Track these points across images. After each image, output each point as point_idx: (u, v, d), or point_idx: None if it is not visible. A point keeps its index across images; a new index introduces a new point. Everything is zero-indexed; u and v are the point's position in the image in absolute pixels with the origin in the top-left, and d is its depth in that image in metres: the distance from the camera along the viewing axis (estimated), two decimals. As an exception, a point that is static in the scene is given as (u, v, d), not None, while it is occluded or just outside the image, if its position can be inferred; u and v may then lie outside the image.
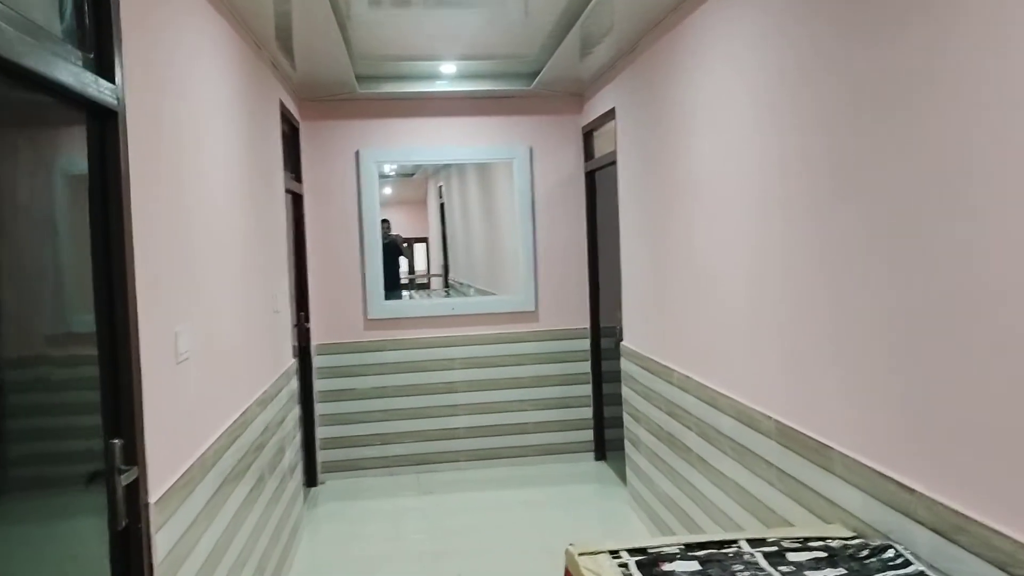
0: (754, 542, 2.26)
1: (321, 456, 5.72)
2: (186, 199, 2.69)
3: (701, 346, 3.58)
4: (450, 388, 5.80)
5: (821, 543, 2.24)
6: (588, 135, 5.84)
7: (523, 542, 4.52)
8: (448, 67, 5.29)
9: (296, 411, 4.71)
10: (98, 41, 2.08)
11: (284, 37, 4.07)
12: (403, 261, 10.28)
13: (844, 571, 2.04)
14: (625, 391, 4.88)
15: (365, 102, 5.68)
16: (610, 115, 5.10)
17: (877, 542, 2.17)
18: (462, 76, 5.50)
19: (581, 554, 2.21)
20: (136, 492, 2.12)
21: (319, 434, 5.70)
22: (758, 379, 2.99)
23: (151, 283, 2.28)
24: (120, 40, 2.14)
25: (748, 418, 3.05)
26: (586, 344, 5.90)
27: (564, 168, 5.87)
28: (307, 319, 5.51)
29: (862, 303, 2.29)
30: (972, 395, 1.86)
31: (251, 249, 3.70)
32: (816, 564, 2.10)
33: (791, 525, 2.73)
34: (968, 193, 1.84)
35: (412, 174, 16.99)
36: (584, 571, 2.12)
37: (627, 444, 4.91)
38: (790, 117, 2.68)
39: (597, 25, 4.09)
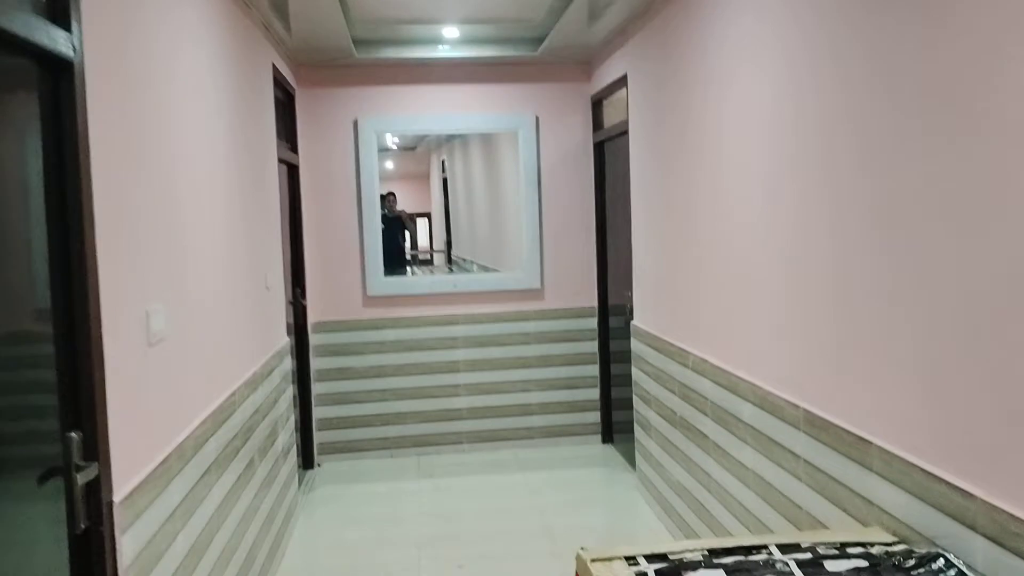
0: (785, 548, 2.04)
1: (318, 437, 5.51)
2: (161, 166, 2.46)
3: (720, 327, 3.35)
4: (452, 368, 5.58)
5: (861, 549, 2.02)
6: (597, 104, 5.57)
7: (527, 529, 4.31)
8: (451, 31, 5.02)
9: (290, 392, 4.50)
10: (50, -18, 1.83)
11: (275, -5, 3.81)
12: (408, 237, 10.03)
13: (889, 583, 1.82)
14: (635, 372, 4.65)
15: (364, 68, 5.42)
16: (621, 82, 4.84)
17: (924, 550, 1.95)
18: (465, 41, 5.24)
19: (594, 560, 1.99)
20: (97, 490, 1.90)
21: (316, 414, 5.49)
22: (785, 364, 2.76)
23: (117, 256, 2.05)
24: (76, -18, 1.89)
25: (772, 406, 2.82)
26: (593, 323, 5.67)
27: (571, 139, 5.62)
28: (303, 296, 5.29)
29: (916, 281, 2.05)
30: (1045, 389, 1.63)
31: (239, 221, 3.47)
32: (857, 575, 1.88)
33: (820, 523, 2.51)
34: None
35: (414, 147, 16.70)
36: (597, 580, 1.91)
37: (637, 428, 4.70)
38: (832, 66, 2.42)
39: (609, -17, 3.82)
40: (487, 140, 9.29)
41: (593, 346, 5.67)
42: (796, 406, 2.64)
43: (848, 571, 1.90)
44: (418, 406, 5.57)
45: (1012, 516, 1.69)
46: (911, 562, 1.90)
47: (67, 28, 1.85)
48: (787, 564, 1.94)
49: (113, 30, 2.14)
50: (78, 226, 1.88)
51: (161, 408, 2.35)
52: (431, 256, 16.10)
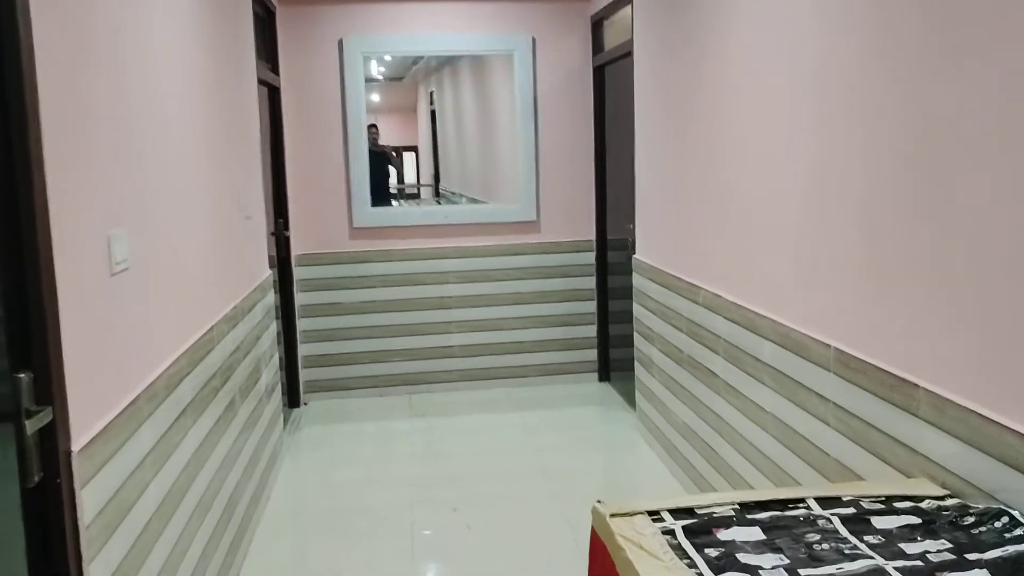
0: (825, 502, 1.84)
1: (304, 375, 5.30)
2: (124, 75, 2.17)
3: (736, 261, 3.12)
4: (443, 303, 5.35)
5: (909, 503, 1.82)
6: (597, 24, 5.25)
7: (523, 470, 4.14)
8: (443, -58, 4.67)
9: (273, 328, 4.26)
10: None
11: None
12: (392, 172, 9.71)
13: (948, 543, 1.62)
14: (637, 309, 4.43)
15: (349, -17, 5.06)
16: (625, 0, 4.52)
17: (982, 505, 1.75)
18: (458, -46, 4.89)
19: (613, 516, 1.78)
20: (52, 438, 1.67)
21: (301, 351, 5.26)
22: (813, 300, 2.53)
23: (72, 173, 1.78)
24: None
25: (797, 345, 2.60)
26: (591, 257, 5.43)
27: (570, 62, 5.30)
28: (286, 227, 5.01)
29: (970, 204, 1.81)
30: None
31: (215, 143, 3.18)
32: (910, 533, 1.68)
33: (851, 472, 2.31)
34: None
35: (401, 78, 16.20)
36: (619, 539, 1.70)
37: (637, 366, 4.50)
38: (875, -24, 2.15)
39: None
40: (478, 68, 8.91)
41: (591, 281, 5.44)
42: (826, 345, 2.43)
43: (899, 528, 1.70)
44: (408, 343, 5.35)
45: (1099, 471, 1.49)
46: (969, 519, 1.70)
47: None
48: (830, 520, 1.74)
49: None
50: (21, 137, 1.61)
51: (128, 345, 2.10)
52: (418, 190, 15.78)
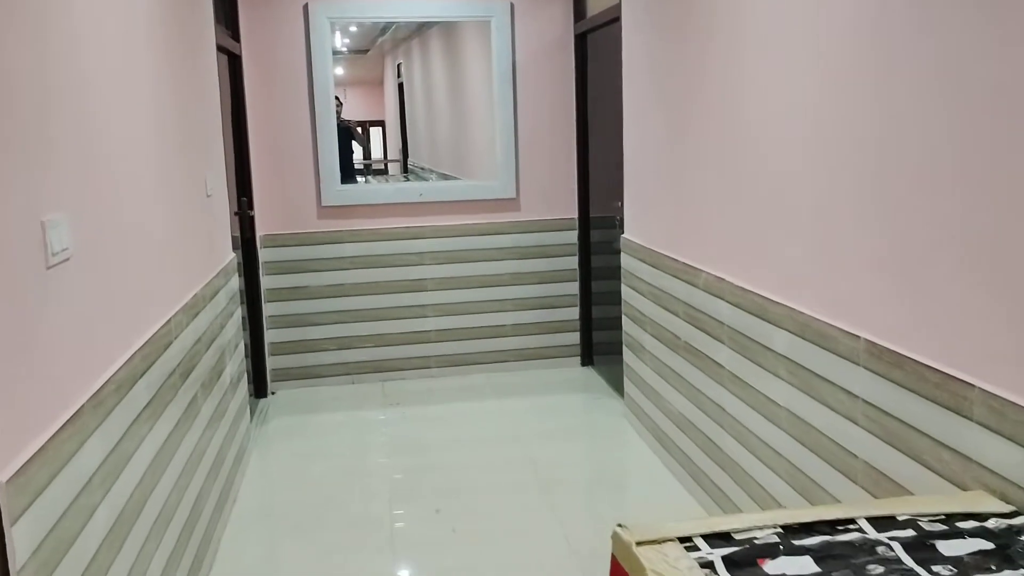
0: (878, 522, 1.61)
1: (271, 363, 5.00)
2: (50, 41, 1.86)
3: (743, 240, 2.88)
4: (418, 286, 5.07)
5: (973, 523, 1.60)
6: (579, -10, 4.97)
7: (508, 463, 3.90)
8: (415, -101, 4.35)
9: (239, 314, 3.96)
10: None
11: None
12: (357, 148, 9.37)
13: (1030, 574, 1.40)
14: (626, 291, 4.19)
15: (314, -56, 4.73)
16: (611, -38, 4.24)
17: (1059, 525, 1.53)
18: (432, -88, 4.57)
19: (641, 544, 1.54)
20: (-28, 469, 1.38)
21: (268, 338, 4.96)
22: (837, 285, 2.30)
23: (-11, 147, 1.49)
24: None
25: (818, 335, 2.37)
26: (574, 236, 5.18)
27: (550, 30, 5.01)
28: (250, 205, 4.69)
29: (1048, 185, 1.58)
30: None
31: (170, 116, 2.87)
32: (984, 561, 1.46)
33: (884, 476, 2.10)
34: None
35: (366, 51, 15.76)
36: (649, 573, 1.46)
37: (626, 351, 4.27)
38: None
39: None
40: (450, 38, 8.57)
41: (573, 262, 5.19)
42: (854, 336, 2.20)
43: (970, 555, 1.48)
44: (381, 328, 5.07)
45: None
46: (1050, 544, 1.48)
47: None
48: (890, 547, 1.51)
49: None
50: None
51: (69, 348, 1.81)
52: (386, 166, 15.42)
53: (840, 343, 2.27)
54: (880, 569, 1.44)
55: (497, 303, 5.15)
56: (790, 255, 2.55)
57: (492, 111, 5.12)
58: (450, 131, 9.03)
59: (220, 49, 4.12)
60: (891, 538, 1.54)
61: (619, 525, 1.62)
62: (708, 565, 1.47)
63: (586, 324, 5.25)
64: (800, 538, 1.56)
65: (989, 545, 1.51)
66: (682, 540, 1.56)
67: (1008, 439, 1.69)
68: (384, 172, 14.94)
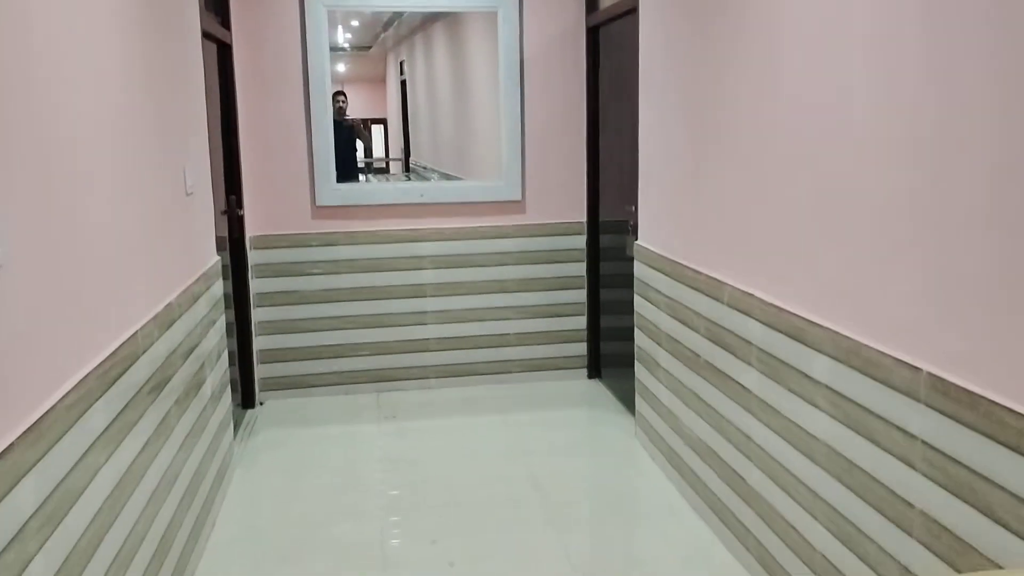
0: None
1: (259, 371, 4.72)
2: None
3: (778, 253, 2.60)
4: (418, 292, 4.79)
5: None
6: (592, -19, 4.69)
7: (511, 487, 3.61)
8: None
9: (223, 321, 3.68)
10: None
11: None
12: (360, 147, 9.09)
13: None
14: (639, 302, 3.91)
15: (312, -73, 4.44)
16: (628, -51, 3.96)
17: None
18: None
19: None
20: None
21: (257, 345, 4.68)
22: (894, 307, 2.02)
23: None
24: None
25: (868, 364, 2.09)
26: (582, 242, 4.89)
27: (560, 22, 4.73)
28: (239, 204, 4.41)
29: None
30: None
31: (143, 106, 2.59)
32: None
33: (945, 529, 1.81)
34: None
35: (369, 47, 15.50)
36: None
37: (637, 366, 3.99)
38: None
39: None
40: (454, 34, 8.29)
41: (581, 268, 4.91)
42: (913, 368, 1.92)
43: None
44: (378, 336, 4.79)
45: None
46: None
47: None
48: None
49: None
50: None
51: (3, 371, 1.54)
52: (387, 164, 15.16)
53: (895, 374, 1.98)
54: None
55: (500, 311, 4.87)
56: (834, 270, 2.27)
57: (498, 109, 4.84)
58: (454, 130, 8.75)
59: (208, 37, 3.84)
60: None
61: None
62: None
63: (594, 334, 4.97)
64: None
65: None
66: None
67: (1117, 503, 1.40)
68: (385, 171, 14.68)
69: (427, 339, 4.83)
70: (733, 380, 2.90)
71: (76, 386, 1.89)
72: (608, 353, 4.96)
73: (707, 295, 3.09)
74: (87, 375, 1.96)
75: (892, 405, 2.00)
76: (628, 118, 4.07)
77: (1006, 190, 1.64)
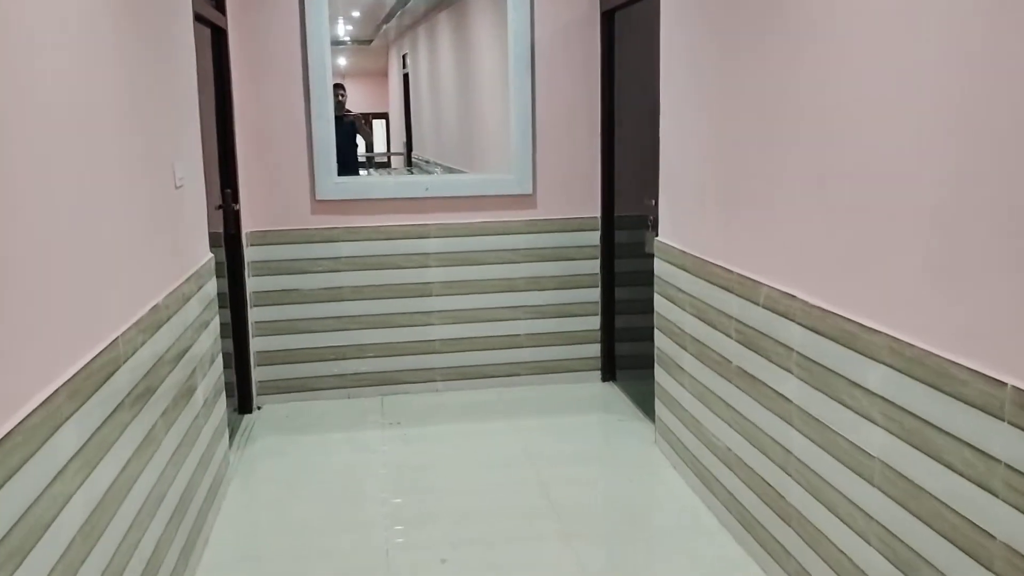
0: None
1: (257, 374, 4.49)
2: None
3: (823, 250, 2.36)
4: (423, 290, 4.56)
5: None
6: (607, -38, 4.44)
7: (523, 499, 3.39)
8: None
9: (216, 323, 3.45)
10: None
11: None
12: (361, 142, 8.88)
13: None
14: (659, 301, 3.68)
15: (311, -94, 4.20)
16: (648, -74, 3.72)
17: None
18: None
19: None
20: None
21: (254, 346, 4.45)
22: (968, 312, 1.78)
23: None
24: None
25: (935, 375, 1.86)
26: (595, 237, 4.66)
27: (573, 6, 4.49)
28: (235, 198, 4.18)
29: None
30: None
31: (121, 87, 2.35)
32: None
33: (1043, 571, 1.58)
34: None
35: (370, 41, 15.28)
36: None
37: (657, 368, 3.75)
38: None
39: None
40: (460, 23, 8.06)
41: (594, 265, 4.67)
42: (996, 382, 1.68)
43: None
44: (381, 336, 4.56)
45: None
46: None
47: None
48: None
49: None
50: None
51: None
52: (388, 158, 14.92)
53: (970, 387, 1.75)
54: None
55: (510, 310, 4.64)
56: (895, 271, 2.03)
57: (507, 99, 4.60)
58: (459, 123, 8.52)
59: (201, 20, 3.61)
60: None
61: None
62: None
63: (608, 335, 4.73)
64: None
65: None
66: None
67: None
68: (387, 165, 14.46)
69: (433, 340, 4.60)
70: (769, 387, 2.67)
71: (43, 403, 1.66)
72: (623, 355, 4.73)
73: (739, 295, 2.86)
74: (56, 391, 1.73)
75: (966, 422, 1.77)
76: (647, 107, 3.83)
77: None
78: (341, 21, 12.61)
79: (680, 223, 3.46)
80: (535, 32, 4.46)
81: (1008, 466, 1.66)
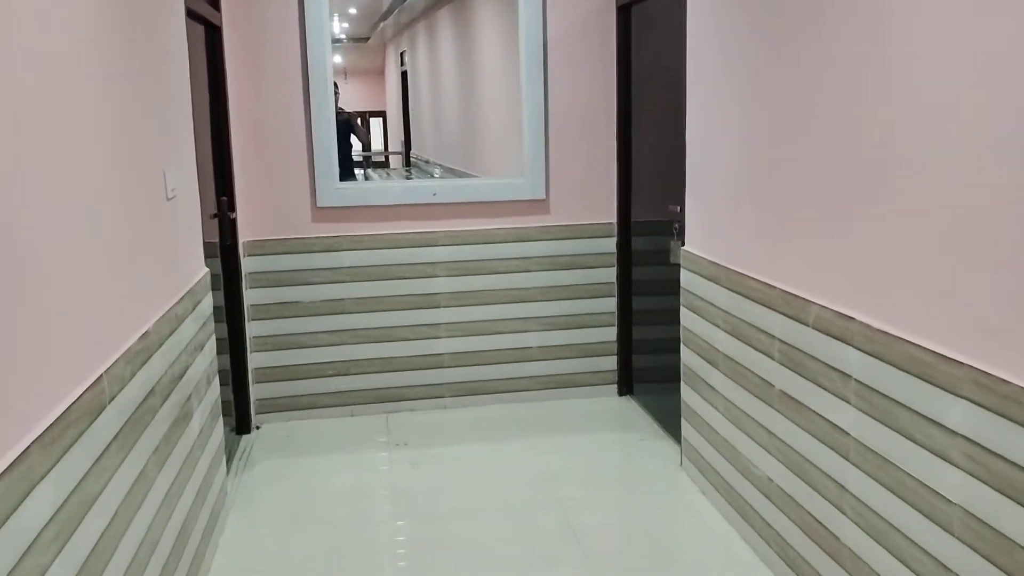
0: None
1: (256, 392, 4.25)
2: None
3: (889, 267, 2.13)
4: (430, 302, 4.32)
5: None
6: (622, -45, 4.21)
7: (539, 530, 3.16)
8: None
9: (212, 343, 3.21)
10: None
11: None
12: (355, 142, 8.63)
13: None
14: (686, 315, 3.45)
15: None
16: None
17: None
18: None
19: None
20: None
21: (252, 363, 4.21)
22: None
23: None
24: None
25: (1038, 417, 1.63)
26: (612, 244, 4.42)
27: (587, 1, 4.26)
28: (232, 207, 3.94)
29: None
30: None
31: (105, 88, 2.11)
32: None
33: None
34: None
35: (367, 38, 15.01)
36: None
37: (684, 386, 3.53)
38: None
39: None
40: (462, 20, 7.81)
41: (611, 274, 4.44)
42: (1118, 429, 1.45)
43: None
44: (386, 351, 4.32)
45: None
46: None
47: None
48: None
49: None
50: None
51: None
52: (386, 158, 14.65)
53: (1086, 435, 1.52)
54: None
55: (522, 321, 4.40)
56: (981, 294, 1.80)
57: (517, 98, 4.36)
58: (462, 122, 8.27)
59: (194, 16, 3.37)
60: None
61: None
62: None
63: (625, 347, 4.50)
64: None
65: None
66: None
67: None
68: (385, 165, 14.20)
69: (441, 354, 4.37)
70: (819, 416, 2.44)
71: (12, 464, 1.42)
72: (641, 367, 4.50)
73: (783, 313, 2.63)
74: (28, 447, 1.49)
75: (1079, 474, 1.54)
76: (667, 106, 3.62)
77: None
78: (337, 19, 12.36)
79: (712, 232, 3.23)
80: (548, 28, 4.23)
81: None
